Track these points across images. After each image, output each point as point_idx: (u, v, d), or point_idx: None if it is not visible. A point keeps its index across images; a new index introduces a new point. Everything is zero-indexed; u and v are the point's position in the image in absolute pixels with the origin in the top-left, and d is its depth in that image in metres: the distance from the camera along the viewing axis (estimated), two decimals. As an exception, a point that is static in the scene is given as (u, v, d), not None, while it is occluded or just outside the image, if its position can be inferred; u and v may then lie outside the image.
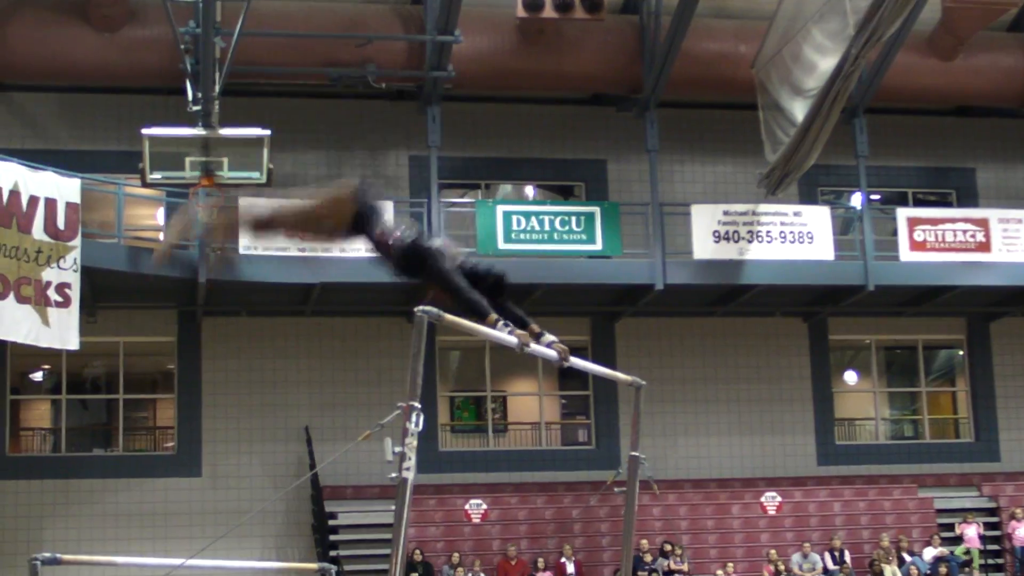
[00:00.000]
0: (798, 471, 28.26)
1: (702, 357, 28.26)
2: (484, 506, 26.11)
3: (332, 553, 24.36)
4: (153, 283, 24.44)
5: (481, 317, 8.17)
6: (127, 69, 24.90)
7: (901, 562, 26.35)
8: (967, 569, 26.81)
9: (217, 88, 21.08)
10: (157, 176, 21.14)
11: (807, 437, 28.54)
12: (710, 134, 28.46)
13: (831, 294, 27.33)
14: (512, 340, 8.05)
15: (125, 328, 26.33)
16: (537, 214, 25.89)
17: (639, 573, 24.45)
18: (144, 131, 20.85)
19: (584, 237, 25.69)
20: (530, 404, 28.48)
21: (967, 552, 26.94)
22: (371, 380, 26.35)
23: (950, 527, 27.46)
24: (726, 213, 26.11)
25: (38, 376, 27.13)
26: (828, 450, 28.65)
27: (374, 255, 8.57)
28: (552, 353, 8.47)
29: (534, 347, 8.31)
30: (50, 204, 22.31)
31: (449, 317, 7.39)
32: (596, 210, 26.04)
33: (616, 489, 24.50)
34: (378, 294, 25.74)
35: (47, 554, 10.42)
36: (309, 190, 9.03)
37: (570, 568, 25.44)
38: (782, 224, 26.18)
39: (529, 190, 29.05)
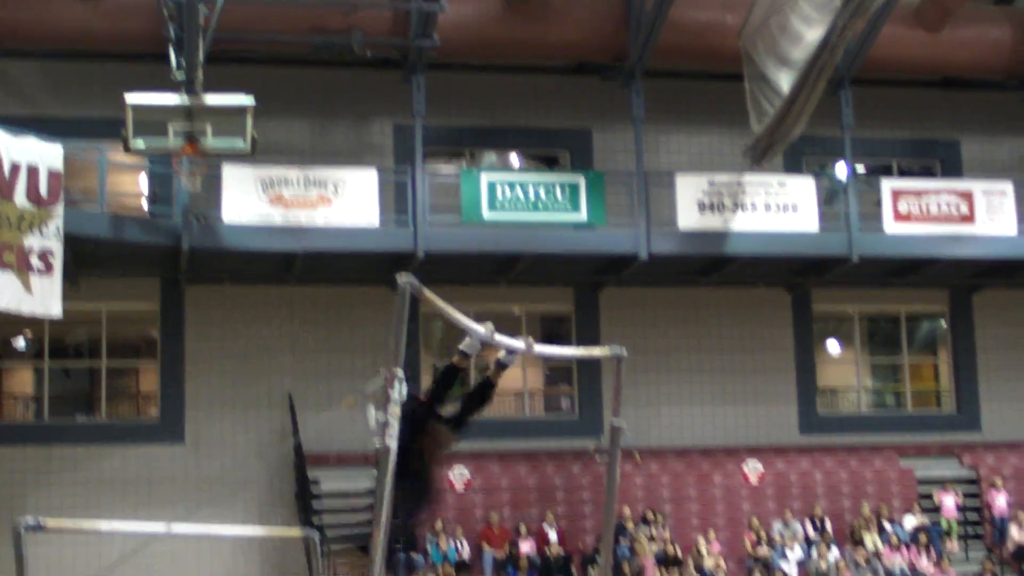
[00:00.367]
0: (780, 440, 28.33)
1: (685, 327, 28.28)
2: (467, 474, 26.15)
3: (315, 520, 24.37)
4: (136, 251, 24.42)
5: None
6: (111, 35, 24.79)
7: (881, 530, 26.47)
8: (947, 538, 26.94)
9: (201, 55, 20.95)
10: (140, 143, 21.02)
11: (789, 407, 28.61)
12: (696, 104, 28.42)
13: (815, 265, 27.37)
14: (480, 330, 8.07)
15: (108, 295, 26.25)
16: (522, 183, 25.87)
17: (621, 539, 24.51)
18: (127, 98, 20.75)
19: (569, 206, 25.67)
20: (513, 373, 28.34)
21: (947, 522, 27.10)
22: (355, 348, 26.33)
23: (930, 497, 27.58)
24: (711, 183, 26.11)
25: (20, 343, 27.05)
26: (810, 420, 28.73)
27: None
28: (519, 345, 8.50)
29: (499, 338, 8.30)
30: (32, 171, 22.23)
31: (428, 294, 7.37)
32: (581, 179, 26.02)
33: (598, 458, 24.57)
34: (361, 262, 25.73)
35: (30, 520, 10.40)
36: None
37: (552, 536, 25.49)
38: (767, 194, 26.19)
39: (514, 159, 29.01)
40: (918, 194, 27.02)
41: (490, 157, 28.93)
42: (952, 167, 29.74)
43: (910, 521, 26.77)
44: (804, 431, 28.65)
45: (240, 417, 26.30)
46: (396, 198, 25.75)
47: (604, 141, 28.17)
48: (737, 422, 28.13)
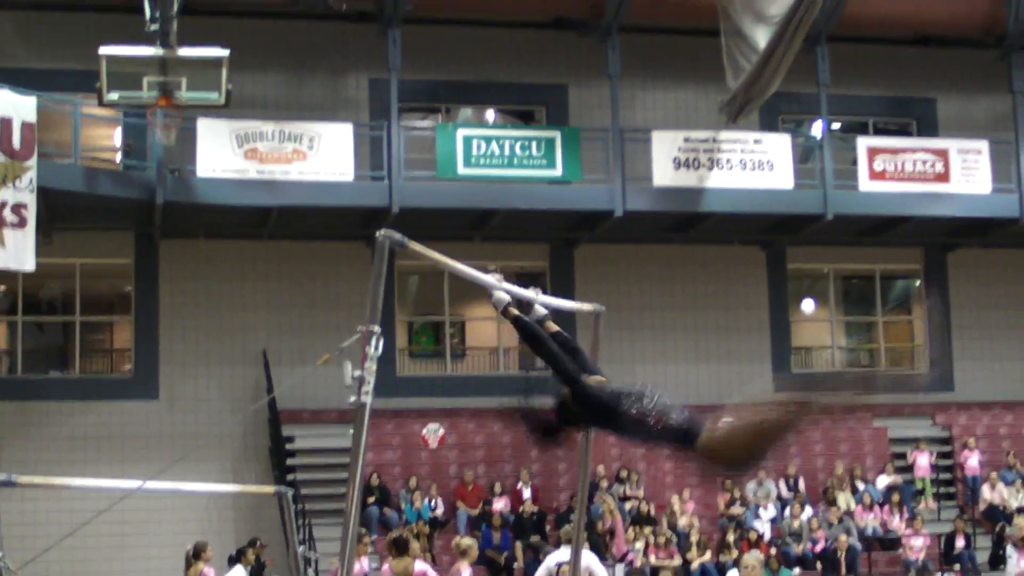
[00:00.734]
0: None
1: (660, 284, 28.28)
2: (441, 431, 26.15)
3: (289, 477, 24.38)
4: (110, 205, 24.28)
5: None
6: (84, -13, 24.60)
7: (855, 490, 26.58)
8: (919, 497, 27.08)
9: (175, 7, 20.80)
10: (114, 96, 20.87)
11: (764, 365, 28.64)
12: (672, 60, 28.32)
13: (790, 223, 27.37)
14: (490, 279, 7.98)
15: (82, 250, 26.13)
16: (497, 138, 25.79)
17: (595, 498, 24.56)
18: (101, 50, 20.58)
19: (544, 162, 25.61)
20: (488, 329, 28.49)
21: (921, 481, 27.24)
22: (329, 304, 26.27)
23: (904, 456, 27.70)
24: (687, 140, 26.07)
25: (-7, 297, 26.96)
26: (785, 378, 28.76)
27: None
28: (529, 294, 8.40)
29: (507, 286, 8.20)
30: (6, 123, 22.06)
31: (415, 245, 7.32)
32: (556, 135, 25.95)
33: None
34: (337, 218, 25.66)
35: (2, 476, 10.32)
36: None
37: (527, 493, 25.55)
38: (742, 152, 26.17)
39: (490, 114, 28.92)
40: (894, 152, 27.03)
41: (465, 112, 28.83)
42: (928, 125, 29.74)
43: (883, 480, 26.89)
44: (779, 389, 28.64)
45: (214, 373, 26.24)
46: (371, 153, 25.67)
47: (580, 97, 28.09)
48: (711, 380, 28.14)
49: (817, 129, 28.22)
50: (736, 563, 22.48)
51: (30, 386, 25.96)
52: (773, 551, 24.74)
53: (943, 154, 27.09)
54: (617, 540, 24.41)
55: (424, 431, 25.98)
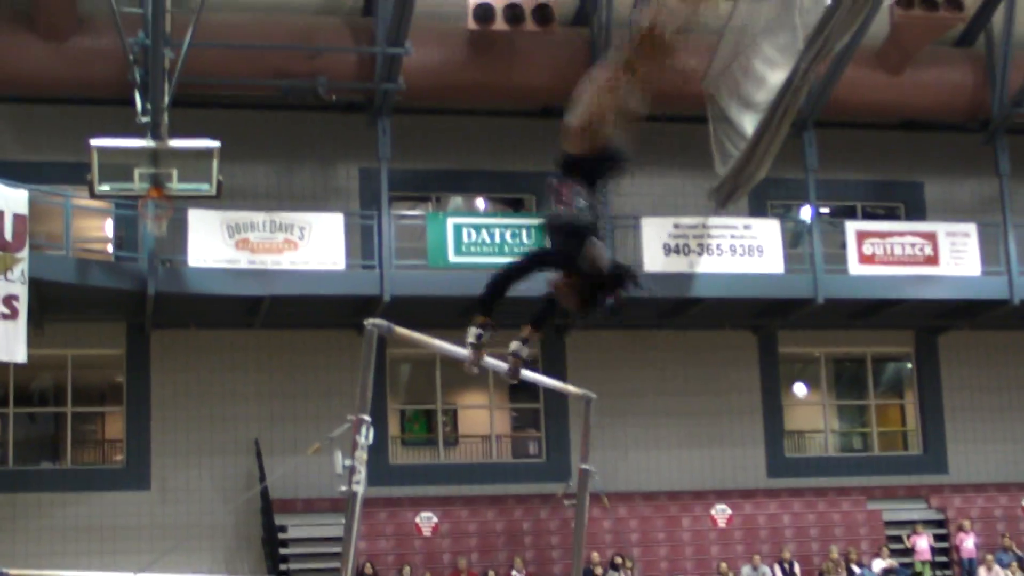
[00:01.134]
0: (748, 483, 28.33)
1: (652, 370, 28.29)
2: (435, 519, 26.06)
3: (282, 567, 24.26)
4: (101, 295, 24.30)
5: (479, 304, 8.27)
6: (75, 79, 24.74)
7: (850, 573, 26.47)
8: (916, 580, 27.00)
9: (166, 99, 20.95)
10: (106, 188, 20.99)
11: (757, 449, 28.62)
12: (660, 147, 28.42)
13: (781, 307, 27.44)
14: (464, 352, 8.07)
15: (73, 341, 26.14)
16: (488, 226, 25.90)
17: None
18: (92, 142, 20.70)
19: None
20: (481, 417, 28.45)
21: (921, 564, 27.12)
22: (321, 393, 26.24)
23: (899, 539, 27.61)
24: (676, 226, 26.19)
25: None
26: (778, 462, 28.74)
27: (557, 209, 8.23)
28: (502, 366, 8.50)
29: (485, 361, 8.33)
30: (-3, 216, 22.15)
31: (399, 330, 7.37)
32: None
33: (566, 502, 24.49)
34: (328, 306, 25.68)
35: (-7, 569, 10.29)
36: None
37: (521, 581, 25.45)
38: (732, 237, 26.28)
39: (480, 202, 29.03)
40: (882, 236, 27.16)
41: (456, 201, 28.95)
42: (915, 208, 29.90)
43: (878, 564, 26.78)
44: (772, 474, 28.65)
45: (206, 463, 26.16)
46: (362, 242, 25.74)
47: (570, 185, 28.14)
48: (704, 465, 28.12)
49: (806, 214, 28.34)
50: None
51: (21, 478, 25.85)
52: (769, 637, 24.62)
53: (931, 237, 27.23)
54: (612, 627, 24.28)
55: (417, 519, 25.85)
